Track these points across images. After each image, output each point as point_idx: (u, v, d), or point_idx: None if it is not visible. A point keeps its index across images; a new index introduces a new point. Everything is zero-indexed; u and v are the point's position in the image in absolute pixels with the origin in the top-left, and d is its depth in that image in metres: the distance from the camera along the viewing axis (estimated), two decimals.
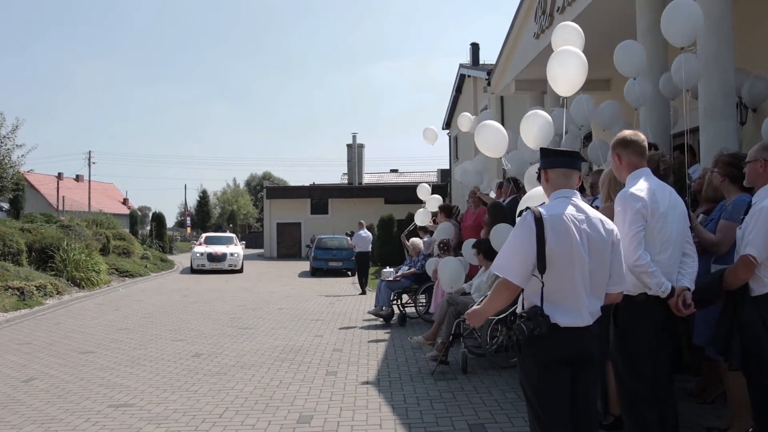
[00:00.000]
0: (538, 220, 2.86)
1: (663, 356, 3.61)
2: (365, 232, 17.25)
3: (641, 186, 3.56)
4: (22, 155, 23.69)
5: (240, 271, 24.65)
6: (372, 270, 23.33)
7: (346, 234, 21.59)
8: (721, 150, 4.91)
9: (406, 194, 27.42)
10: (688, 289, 3.55)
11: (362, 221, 17.87)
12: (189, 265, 25.80)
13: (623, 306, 3.53)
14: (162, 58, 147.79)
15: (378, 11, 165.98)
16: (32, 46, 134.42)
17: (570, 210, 2.93)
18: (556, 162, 3.03)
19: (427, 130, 12.68)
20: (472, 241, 8.06)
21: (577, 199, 3.00)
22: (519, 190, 8.28)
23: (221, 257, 24.54)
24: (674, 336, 3.76)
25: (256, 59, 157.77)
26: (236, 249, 25.59)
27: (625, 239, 3.38)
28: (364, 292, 16.26)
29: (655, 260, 3.47)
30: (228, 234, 31.00)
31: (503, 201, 8.42)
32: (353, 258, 24.17)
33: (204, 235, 30.05)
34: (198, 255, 24.79)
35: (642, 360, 3.56)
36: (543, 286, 2.85)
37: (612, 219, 3.31)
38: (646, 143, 3.76)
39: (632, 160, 3.71)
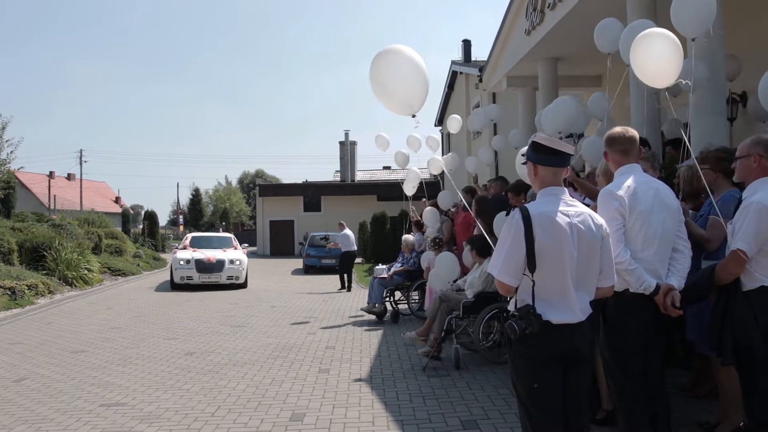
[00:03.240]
0: (526, 218, 2.87)
1: (653, 352, 3.62)
2: (349, 232, 16.94)
3: (623, 183, 3.62)
4: (11, 152, 23.54)
5: (243, 285, 17.46)
6: (365, 267, 23.35)
7: (323, 239, 20.21)
8: (706, 146, 4.92)
9: (399, 191, 25.47)
10: (675, 288, 3.55)
11: (342, 222, 17.40)
12: (169, 277, 17.84)
13: (611, 302, 3.55)
14: (155, 57, 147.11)
15: (370, 10, 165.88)
16: (26, 45, 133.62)
17: (559, 207, 2.94)
18: (548, 160, 3.01)
19: (378, 137, 12.58)
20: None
21: (566, 195, 3.01)
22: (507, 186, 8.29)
23: (216, 266, 17.07)
24: (664, 332, 3.76)
25: (249, 58, 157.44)
26: (237, 254, 17.98)
27: None
28: (350, 288, 16.41)
29: (639, 257, 3.51)
30: (223, 234, 22.99)
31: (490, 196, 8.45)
32: (338, 257, 24.23)
33: (190, 235, 21.12)
34: (181, 263, 17.03)
35: (631, 356, 3.57)
36: (534, 284, 2.86)
37: None
38: (635, 139, 3.77)
39: (615, 157, 3.76)
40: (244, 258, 18.01)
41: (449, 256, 8.14)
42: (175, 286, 17.04)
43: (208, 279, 16.97)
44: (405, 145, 11.82)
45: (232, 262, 17.33)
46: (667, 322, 3.72)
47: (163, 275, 21.71)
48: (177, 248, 18.93)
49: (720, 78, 6.55)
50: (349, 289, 16.34)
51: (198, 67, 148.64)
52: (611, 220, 3.49)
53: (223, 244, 19.28)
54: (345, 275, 16.59)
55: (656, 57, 4.58)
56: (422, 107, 4.76)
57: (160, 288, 17.37)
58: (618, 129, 3.84)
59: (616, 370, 3.63)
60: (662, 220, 3.60)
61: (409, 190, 11.38)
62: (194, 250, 17.89)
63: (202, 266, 17.04)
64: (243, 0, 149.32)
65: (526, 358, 2.91)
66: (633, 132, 3.82)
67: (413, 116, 4.78)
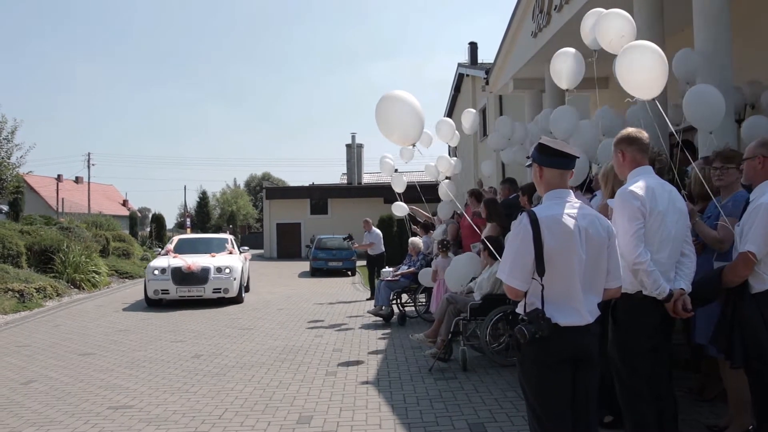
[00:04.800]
0: (534, 222, 2.86)
1: (661, 354, 3.61)
2: (377, 230, 15.18)
3: (640, 184, 3.57)
4: (21, 156, 23.65)
5: (238, 300, 13.98)
6: None
7: (346, 239, 16.71)
8: (726, 144, 4.89)
9: (405, 194, 24.71)
10: (685, 292, 3.53)
11: (369, 219, 15.34)
12: (143, 291, 14.06)
13: (621, 304, 3.54)
14: (160, 60, 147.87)
15: (376, 11, 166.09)
16: (31, 48, 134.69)
17: (566, 209, 2.93)
18: (554, 162, 3.01)
19: (383, 161, 12.77)
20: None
21: (572, 197, 3.00)
22: (517, 190, 8.27)
23: (198, 276, 13.47)
24: (671, 334, 3.74)
25: (254, 60, 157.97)
26: (229, 261, 14.20)
27: (625, 237, 3.39)
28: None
29: (654, 259, 3.46)
30: (219, 235, 18.89)
31: (502, 199, 8.42)
32: (353, 258, 24.11)
33: (176, 237, 17.13)
34: (155, 273, 13.51)
35: (640, 358, 3.55)
36: (543, 288, 2.85)
37: (608, 217, 3.31)
38: (648, 141, 3.77)
39: (636, 157, 3.72)
40: (237, 265, 14.20)
41: (470, 256, 8.05)
42: (151, 303, 13.57)
43: (187, 293, 13.42)
44: (399, 155, 12.16)
45: (219, 270, 13.64)
46: (673, 324, 3.71)
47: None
48: (159, 253, 15.55)
49: (728, 79, 6.51)
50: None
51: (203, 69, 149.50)
52: (632, 219, 3.46)
53: (214, 247, 15.41)
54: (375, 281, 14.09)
55: (642, 70, 4.70)
56: (419, 138, 5.86)
57: (131, 308, 13.26)
58: (633, 129, 3.81)
59: (623, 370, 3.62)
60: (675, 222, 3.57)
61: (399, 188, 11.48)
62: (175, 256, 14.23)
63: (181, 276, 13.43)
64: (248, 2, 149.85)
65: (535, 361, 2.90)
66: (646, 134, 3.80)
67: (413, 146, 5.86)
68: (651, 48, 4.70)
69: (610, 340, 3.69)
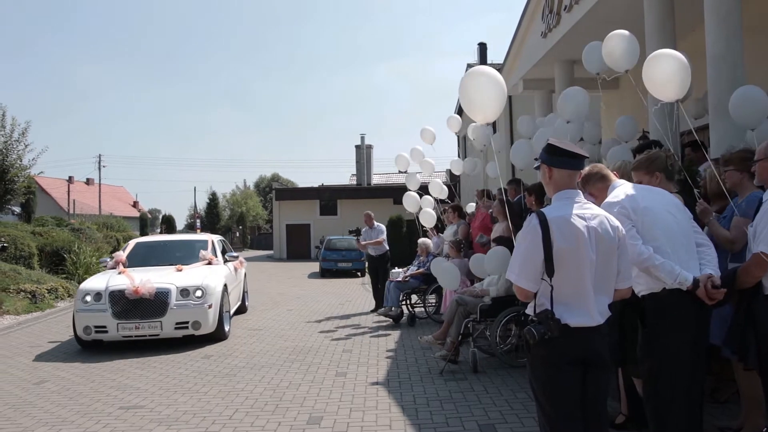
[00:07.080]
0: (543, 223, 2.85)
1: (700, 353, 3.52)
2: (381, 225, 12.62)
3: (615, 193, 3.66)
4: (33, 158, 23.80)
5: (217, 336, 9.04)
6: None
7: (352, 232, 12.80)
8: (728, 148, 4.87)
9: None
10: (713, 275, 3.48)
11: (370, 212, 12.66)
12: (72, 328, 9.01)
13: (649, 305, 3.50)
14: (168, 61, 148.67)
15: (383, 11, 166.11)
16: (40, 50, 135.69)
17: (576, 210, 2.93)
18: (564, 163, 3.01)
19: (424, 131, 12.59)
20: (480, 257, 7.93)
21: (581, 198, 3.00)
22: (524, 190, 8.25)
23: (153, 305, 8.52)
24: (707, 330, 3.65)
25: (261, 61, 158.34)
26: (203, 276, 9.16)
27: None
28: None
29: (664, 252, 3.44)
30: (195, 236, 13.44)
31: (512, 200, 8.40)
32: (363, 259, 24.04)
33: (133, 241, 11.30)
34: (86, 300, 8.58)
35: (676, 356, 3.46)
36: (552, 289, 2.84)
37: None
38: (595, 170, 3.86)
39: (599, 185, 3.82)
40: (216, 283, 9.24)
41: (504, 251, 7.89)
42: (84, 344, 8.77)
43: (134, 331, 8.51)
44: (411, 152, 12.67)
45: (185, 293, 8.72)
46: (708, 316, 3.63)
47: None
48: (106, 264, 10.21)
49: (739, 79, 6.48)
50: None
51: (211, 70, 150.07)
52: (620, 223, 3.45)
53: (186, 255, 10.24)
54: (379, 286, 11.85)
55: (664, 74, 5.10)
56: (496, 117, 5.99)
57: (46, 357, 8.23)
58: (589, 167, 3.89)
59: (664, 369, 3.50)
60: (670, 213, 3.61)
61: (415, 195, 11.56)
62: (122, 271, 9.26)
63: (124, 305, 8.51)
64: (254, 2, 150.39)
65: (545, 362, 2.89)
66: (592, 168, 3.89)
67: (489, 124, 6.01)
68: (676, 55, 5.07)
69: (639, 346, 3.64)
